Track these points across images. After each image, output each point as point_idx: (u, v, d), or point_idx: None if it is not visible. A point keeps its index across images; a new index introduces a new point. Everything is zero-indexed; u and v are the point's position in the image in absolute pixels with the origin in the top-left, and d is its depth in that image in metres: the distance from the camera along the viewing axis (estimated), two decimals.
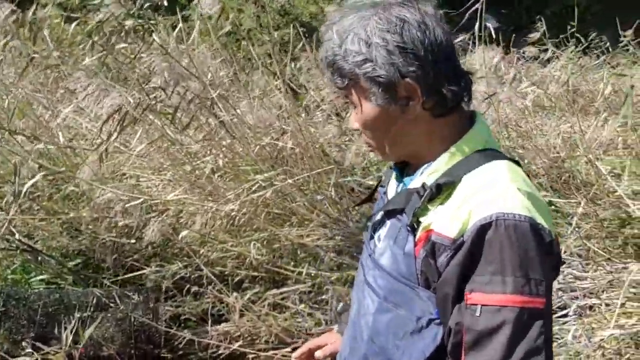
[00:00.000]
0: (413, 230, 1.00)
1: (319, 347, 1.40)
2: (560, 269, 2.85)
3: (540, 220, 0.92)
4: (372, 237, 1.15)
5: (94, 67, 2.99)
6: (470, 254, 0.91)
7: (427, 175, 1.03)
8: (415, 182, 1.06)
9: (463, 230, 0.93)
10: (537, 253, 0.90)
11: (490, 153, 1.01)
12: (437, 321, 0.99)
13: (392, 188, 1.16)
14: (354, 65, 0.98)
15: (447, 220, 0.95)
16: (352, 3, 1.02)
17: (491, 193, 0.93)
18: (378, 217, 1.13)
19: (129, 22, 3.23)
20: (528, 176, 1.05)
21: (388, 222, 1.08)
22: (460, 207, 0.95)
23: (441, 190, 0.98)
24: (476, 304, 0.90)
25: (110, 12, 3.07)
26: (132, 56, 2.86)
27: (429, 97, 0.98)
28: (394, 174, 1.16)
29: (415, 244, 1.00)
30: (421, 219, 1.00)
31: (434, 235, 0.97)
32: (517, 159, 1.07)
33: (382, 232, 1.10)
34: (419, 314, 1.00)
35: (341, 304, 1.43)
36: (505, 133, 3.59)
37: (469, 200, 0.95)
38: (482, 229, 0.91)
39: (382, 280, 1.06)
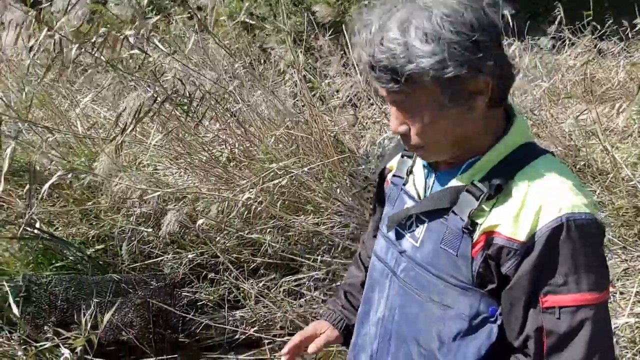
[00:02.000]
0: (469, 232, 0.95)
1: (309, 339, 1.29)
2: None
3: (598, 215, 0.92)
4: (401, 235, 1.09)
5: (112, 60, 3.02)
6: (543, 256, 0.90)
7: (476, 172, 0.97)
8: (461, 178, 0.99)
9: (532, 233, 0.90)
10: (602, 248, 0.93)
11: (533, 147, 0.99)
12: (492, 319, 0.97)
13: (420, 181, 1.09)
14: (422, 65, 0.85)
15: (513, 223, 0.92)
16: None
17: (554, 193, 0.92)
18: (411, 213, 1.05)
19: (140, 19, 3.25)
20: None
21: (428, 221, 1.02)
22: (524, 208, 0.92)
23: (501, 190, 0.94)
24: (554, 307, 0.90)
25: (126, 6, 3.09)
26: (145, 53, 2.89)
27: (499, 89, 0.91)
28: (418, 165, 1.10)
29: (473, 246, 0.96)
30: (478, 221, 0.95)
31: (500, 239, 0.93)
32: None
33: (420, 230, 1.04)
34: (472, 313, 0.98)
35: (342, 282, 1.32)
36: None
37: (532, 201, 0.92)
38: (554, 232, 0.89)
39: (427, 281, 1.03)
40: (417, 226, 1.05)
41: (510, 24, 3.80)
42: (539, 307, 0.91)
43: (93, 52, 2.30)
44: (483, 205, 0.95)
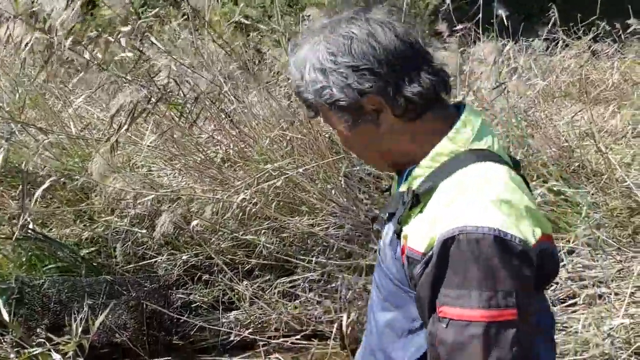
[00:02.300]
0: (398, 237, 1.00)
1: None
2: (570, 259, 2.86)
3: (511, 230, 0.88)
4: (381, 236, 1.15)
5: (105, 61, 3.02)
6: (437, 268, 0.91)
7: (412, 179, 1.01)
8: (404, 185, 1.04)
9: (431, 244, 0.92)
10: (505, 265, 0.87)
11: (471, 154, 0.97)
12: None
13: (394, 185, 1.15)
14: (315, 94, 0.98)
15: (419, 234, 0.95)
16: (306, 30, 1.05)
17: (458, 206, 0.92)
18: (383, 215, 1.11)
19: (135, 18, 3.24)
20: (523, 176, 1.03)
21: (389, 222, 1.07)
22: (427, 219, 0.95)
23: (419, 200, 0.97)
24: (446, 317, 0.90)
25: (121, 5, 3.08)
26: (139, 53, 2.88)
27: (396, 104, 0.96)
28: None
29: (402, 251, 0.99)
30: (404, 228, 0.99)
31: (407, 249, 0.97)
32: (513, 154, 1.02)
33: (385, 231, 1.09)
34: (413, 316, 1.00)
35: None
36: (515, 122, 3.58)
37: (434, 212, 0.94)
38: (445, 244, 0.89)
39: (384, 280, 1.07)
40: (386, 227, 1.09)
41: (505, 23, 3.82)
42: (435, 314, 0.92)
43: (84, 53, 2.29)
44: (411, 212, 0.98)
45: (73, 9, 2.54)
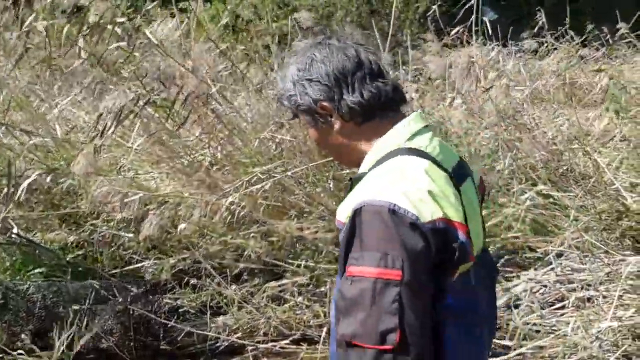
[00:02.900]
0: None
1: None
2: (558, 262, 2.87)
3: (405, 205, 1.07)
4: None
5: (90, 61, 2.99)
6: (348, 234, 1.11)
7: (360, 171, 1.24)
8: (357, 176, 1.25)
9: (347, 215, 1.13)
10: (396, 232, 1.06)
11: (402, 150, 1.18)
12: None
13: None
14: (287, 100, 1.27)
15: (343, 208, 1.16)
16: (292, 51, 1.35)
17: (370, 185, 1.14)
18: None
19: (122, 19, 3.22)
20: (464, 175, 1.24)
21: None
22: (353, 197, 1.15)
23: (352, 184, 1.21)
24: (350, 276, 1.08)
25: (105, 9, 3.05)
26: (127, 52, 2.86)
27: (342, 110, 1.21)
28: None
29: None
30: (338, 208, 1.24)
31: (337, 222, 1.19)
32: (427, 151, 1.20)
33: None
34: None
35: None
36: (503, 125, 3.60)
37: (358, 191, 1.15)
38: (354, 214, 1.10)
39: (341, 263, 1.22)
40: None
41: (489, 29, 3.83)
42: (345, 275, 1.10)
43: (75, 46, 2.26)
44: (347, 196, 1.20)
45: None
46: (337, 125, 1.23)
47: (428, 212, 1.08)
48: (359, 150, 1.24)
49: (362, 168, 1.22)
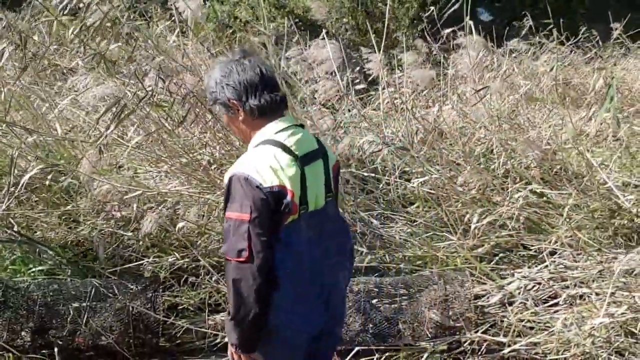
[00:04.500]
0: None
1: None
2: (552, 260, 2.90)
3: (254, 175, 1.68)
4: None
5: (90, 62, 3.01)
6: (227, 193, 1.73)
7: None
8: None
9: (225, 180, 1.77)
10: (247, 191, 1.68)
11: (268, 141, 1.76)
12: None
13: None
14: (211, 95, 1.83)
15: (226, 175, 1.77)
16: (218, 61, 1.95)
17: (236, 164, 1.76)
18: None
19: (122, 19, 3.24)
20: (294, 154, 1.75)
21: None
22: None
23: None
24: (225, 217, 1.72)
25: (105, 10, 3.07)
26: (127, 51, 2.88)
27: (245, 108, 1.79)
28: None
29: None
30: None
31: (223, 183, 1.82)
32: (288, 145, 1.77)
33: None
34: None
35: None
36: (497, 126, 3.63)
37: (234, 164, 1.79)
38: (229, 180, 1.72)
39: None
40: None
41: (480, 30, 3.86)
42: (225, 217, 1.74)
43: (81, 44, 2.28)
44: None
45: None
46: (240, 117, 1.81)
47: (268, 181, 1.69)
48: (250, 135, 1.83)
49: (248, 148, 1.81)
